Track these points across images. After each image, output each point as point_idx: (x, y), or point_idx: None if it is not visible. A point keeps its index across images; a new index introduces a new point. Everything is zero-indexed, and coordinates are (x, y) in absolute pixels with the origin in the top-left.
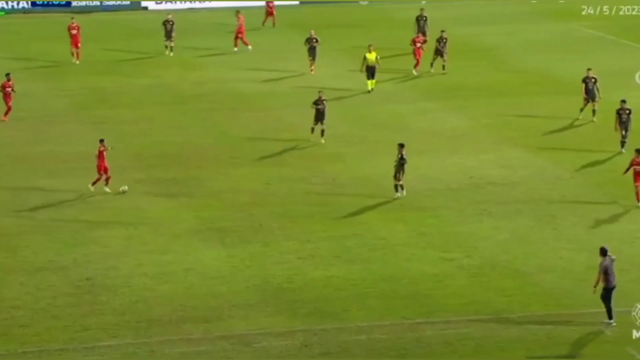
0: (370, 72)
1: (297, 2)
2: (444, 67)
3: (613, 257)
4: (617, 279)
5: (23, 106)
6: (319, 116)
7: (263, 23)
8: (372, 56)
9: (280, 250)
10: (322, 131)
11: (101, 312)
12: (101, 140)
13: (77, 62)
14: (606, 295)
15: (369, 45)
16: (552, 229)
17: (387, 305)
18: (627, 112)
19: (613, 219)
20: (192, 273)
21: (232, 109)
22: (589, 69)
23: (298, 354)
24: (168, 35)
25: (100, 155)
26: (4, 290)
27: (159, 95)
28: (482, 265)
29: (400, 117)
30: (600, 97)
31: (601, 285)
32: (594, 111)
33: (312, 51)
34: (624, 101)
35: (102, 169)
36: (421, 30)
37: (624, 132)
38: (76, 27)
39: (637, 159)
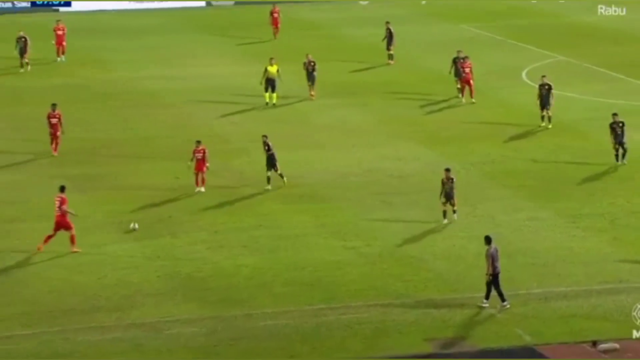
0: (271, 84)
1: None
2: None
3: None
4: (504, 263)
5: None
6: (271, 161)
7: (275, 35)
8: (273, 69)
9: (190, 241)
10: (281, 175)
11: (14, 302)
12: (61, 189)
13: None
14: (494, 281)
15: (271, 59)
16: (445, 218)
17: (291, 292)
18: (622, 123)
19: (502, 208)
20: (104, 264)
21: (143, 106)
22: (543, 76)
23: (206, 340)
24: (22, 52)
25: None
26: None
27: (72, 94)
28: (380, 253)
29: (302, 113)
30: (552, 105)
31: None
32: (548, 118)
33: (310, 76)
34: (615, 115)
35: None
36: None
37: (617, 145)
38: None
39: None
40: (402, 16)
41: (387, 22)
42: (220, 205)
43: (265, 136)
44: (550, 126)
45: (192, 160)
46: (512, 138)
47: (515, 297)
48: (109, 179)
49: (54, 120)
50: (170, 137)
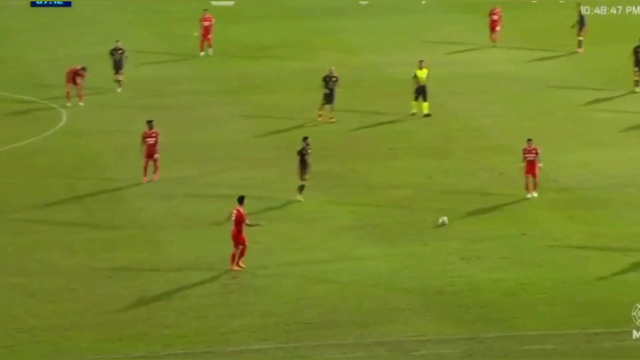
0: (421, 92)
1: None
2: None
3: None
4: None
5: (168, 91)
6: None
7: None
8: (423, 73)
9: (442, 250)
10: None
11: (249, 313)
12: (240, 200)
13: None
14: None
15: (420, 61)
16: None
17: (561, 312)
18: None
19: None
20: (346, 273)
21: (391, 95)
22: None
23: None
24: (117, 67)
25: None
26: (148, 288)
27: (312, 81)
28: None
29: (574, 105)
30: None
31: None
32: None
33: (327, 96)
34: None
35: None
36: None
37: None
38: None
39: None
40: None
41: (578, 3)
42: (478, 209)
43: (307, 137)
44: None
45: (522, 161)
46: None
47: None
48: (354, 176)
49: (150, 141)
50: (422, 131)
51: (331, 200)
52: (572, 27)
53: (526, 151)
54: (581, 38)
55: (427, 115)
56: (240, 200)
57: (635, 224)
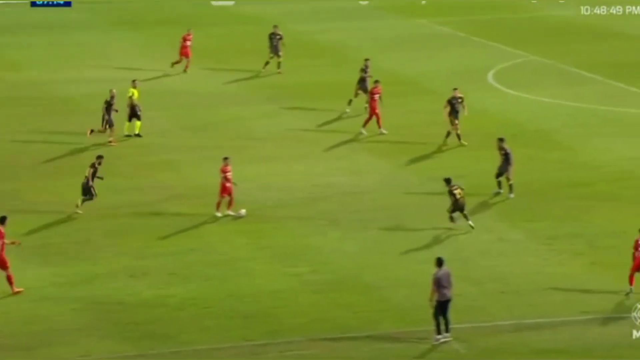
0: (133, 112)
1: None
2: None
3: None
4: (471, 291)
5: None
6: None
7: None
8: (137, 92)
9: (110, 268)
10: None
11: None
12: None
13: None
14: (438, 308)
15: (133, 81)
16: (403, 240)
17: (226, 325)
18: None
19: (468, 229)
20: (8, 295)
21: (57, 112)
22: (455, 89)
23: None
24: None
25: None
26: None
27: None
28: (328, 280)
29: (240, 121)
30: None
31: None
32: (458, 135)
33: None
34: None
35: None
36: None
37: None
38: None
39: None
40: (349, 10)
41: (275, 26)
42: (146, 226)
43: (100, 157)
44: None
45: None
46: (480, 148)
47: (483, 329)
48: (14, 196)
49: None
50: (84, 150)
51: None
52: (270, 49)
53: (223, 171)
54: (280, 59)
55: (138, 135)
56: (2, 220)
57: (296, 236)
